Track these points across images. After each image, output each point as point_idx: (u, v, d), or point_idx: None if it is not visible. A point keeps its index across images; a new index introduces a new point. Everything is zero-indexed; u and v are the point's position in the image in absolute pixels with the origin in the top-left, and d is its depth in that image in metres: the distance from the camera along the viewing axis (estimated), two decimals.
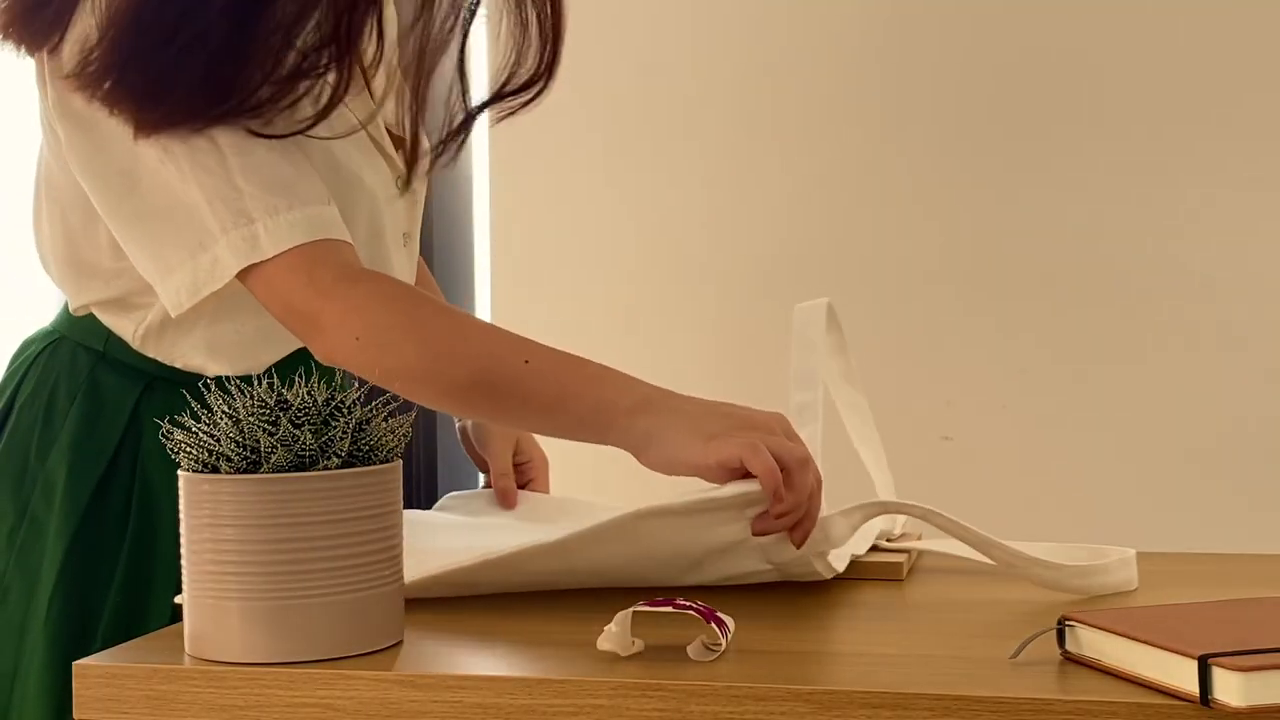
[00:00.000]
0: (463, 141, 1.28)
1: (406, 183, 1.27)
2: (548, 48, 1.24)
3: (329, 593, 0.85)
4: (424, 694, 0.82)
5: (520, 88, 1.25)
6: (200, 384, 0.95)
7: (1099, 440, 1.90)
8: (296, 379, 0.89)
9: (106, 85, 1.10)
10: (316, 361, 1.19)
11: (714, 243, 1.94)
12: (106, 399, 1.20)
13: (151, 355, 1.21)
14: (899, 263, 1.93)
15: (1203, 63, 1.86)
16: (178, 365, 1.21)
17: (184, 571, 0.88)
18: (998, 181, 1.90)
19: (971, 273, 1.91)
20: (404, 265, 1.32)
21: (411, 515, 1.19)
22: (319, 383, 0.90)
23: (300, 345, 1.21)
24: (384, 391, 0.94)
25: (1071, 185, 1.88)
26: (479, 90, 1.27)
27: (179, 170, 1.10)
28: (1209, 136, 1.85)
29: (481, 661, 0.88)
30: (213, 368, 1.20)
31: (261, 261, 1.09)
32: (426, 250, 2.04)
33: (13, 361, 1.28)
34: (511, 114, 1.26)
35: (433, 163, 1.27)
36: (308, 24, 1.13)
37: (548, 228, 1.98)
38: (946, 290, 1.91)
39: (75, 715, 0.87)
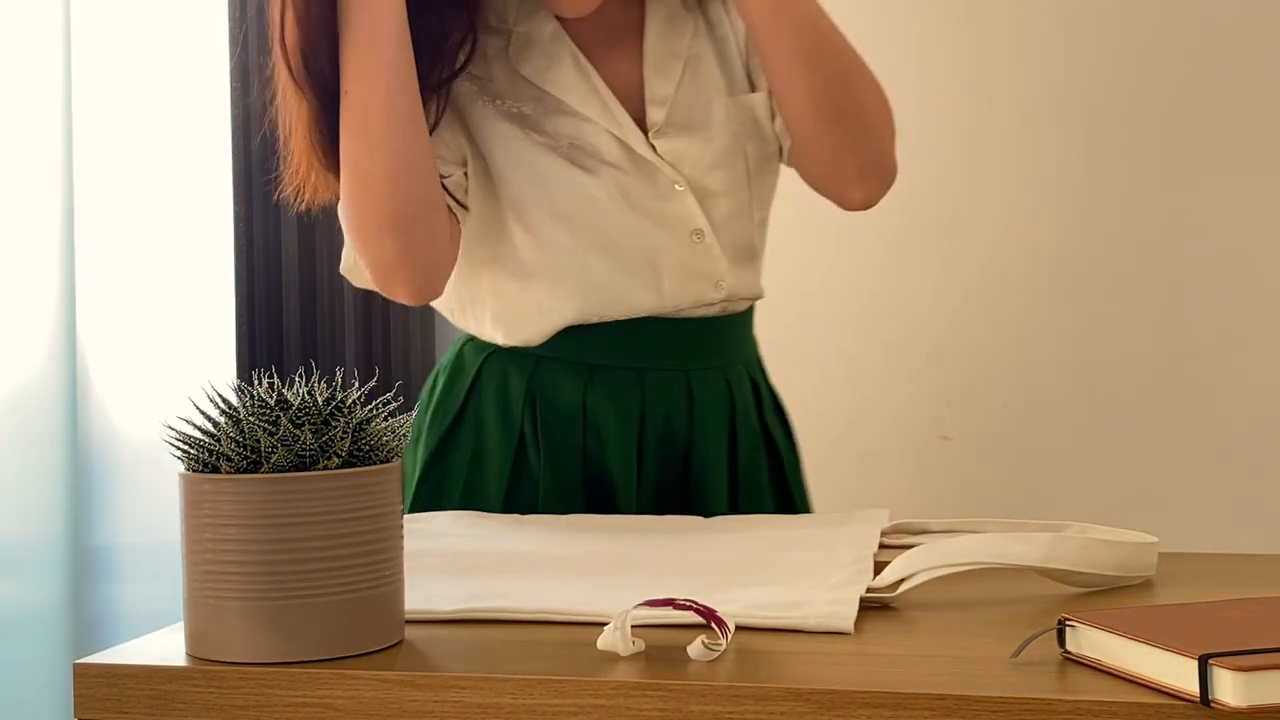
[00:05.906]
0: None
1: None
2: None
3: (329, 593, 0.85)
4: (424, 694, 0.82)
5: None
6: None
7: (1099, 441, 1.90)
8: (296, 379, 0.89)
9: None
10: (316, 361, 1.18)
11: None
12: (462, 367, 1.47)
13: (473, 333, 1.47)
14: (899, 262, 1.93)
15: (1203, 62, 1.86)
16: (486, 339, 1.45)
17: (184, 571, 0.89)
18: (997, 181, 1.90)
19: (971, 273, 1.91)
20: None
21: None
22: (319, 383, 0.90)
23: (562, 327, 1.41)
24: (385, 391, 0.94)
25: (1072, 184, 1.88)
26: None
27: None
28: (1216, 137, 1.85)
29: (481, 661, 0.88)
30: (500, 338, 1.43)
31: None
32: None
33: None
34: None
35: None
36: None
37: None
38: (947, 290, 1.91)
39: (75, 715, 0.87)
